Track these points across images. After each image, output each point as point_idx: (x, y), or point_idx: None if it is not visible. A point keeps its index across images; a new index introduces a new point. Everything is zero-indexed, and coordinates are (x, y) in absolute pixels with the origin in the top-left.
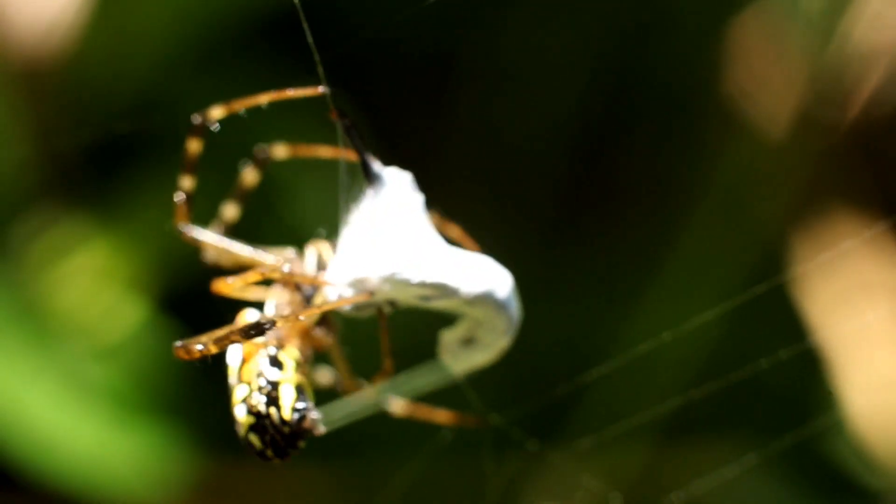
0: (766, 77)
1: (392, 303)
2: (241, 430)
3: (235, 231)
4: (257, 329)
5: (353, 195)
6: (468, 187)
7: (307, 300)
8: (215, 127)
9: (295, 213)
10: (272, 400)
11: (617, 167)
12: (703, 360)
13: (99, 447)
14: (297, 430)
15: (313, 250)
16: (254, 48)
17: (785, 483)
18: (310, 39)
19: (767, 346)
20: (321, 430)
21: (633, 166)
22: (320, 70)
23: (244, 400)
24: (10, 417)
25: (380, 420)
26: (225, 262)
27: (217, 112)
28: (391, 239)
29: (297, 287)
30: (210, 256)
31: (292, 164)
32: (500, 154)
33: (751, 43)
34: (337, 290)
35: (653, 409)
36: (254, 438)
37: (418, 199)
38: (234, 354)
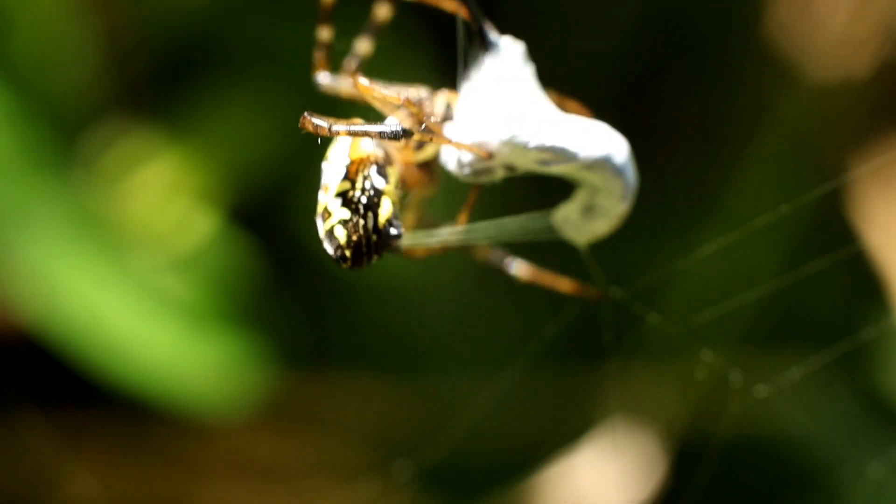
0: (819, 14)
1: (510, 167)
2: (330, 223)
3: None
4: (395, 134)
5: (469, 60)
6: None
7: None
8: None
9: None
10: (372, 205)
11: (669, 105)
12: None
13: (175, 358)
14: (383, 242)
15: (443, 99)
16: None
17: (840, 407)
18: None
19: (830, 276)
20: (401, 249)
21: (686, 105)
22: None
23: (343, 194)
24: (88, 328)
25: (456, 335)
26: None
27: None
28: (510, 103)
29: (419, 123)
30: (347, 95)
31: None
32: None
33: None
34: (455, 154)
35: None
36: (339, 232)
37: (531, 68)
38: (341, 151)
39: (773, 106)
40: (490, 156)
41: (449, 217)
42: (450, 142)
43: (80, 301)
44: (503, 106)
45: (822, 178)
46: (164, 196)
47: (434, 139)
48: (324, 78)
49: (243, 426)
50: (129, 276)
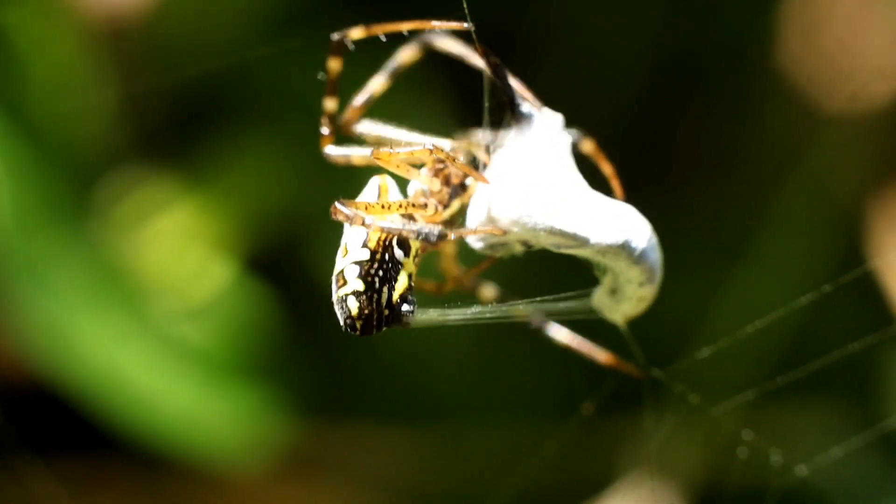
0: (831, 49)
1: (526, 244)
2: (344, 291)
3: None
4: (430, 237)
5: (498, 132)
6: None
7: (452, 197)
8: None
9: None
10: (389, 279)
11: (681, 141)
12: (789, 337)
13: (192, 408)
14: (394, 316)
15: (467, 149)
16: (343, 7)
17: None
18: None
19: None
20: (410, 323)
21: (702, 142)
22: (465, 6)
23: (360, 263)
24: (105, 376)
25: (478, 385)
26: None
27: (356, 32)
28: (528, 181)
29: (446, 181)
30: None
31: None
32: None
33: (812, 14)
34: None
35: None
36: (352, 304)
37: (566, 140)
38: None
39: (791, 141)
40: (503, 232)
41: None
42: (467, 232)
43: (97, 351)
44: (520, 184)
45: (845, 215)
46: (181, 245)
47: (463, 234)
48: (331, 150)
49: (261, 477)
50: (146, 326)
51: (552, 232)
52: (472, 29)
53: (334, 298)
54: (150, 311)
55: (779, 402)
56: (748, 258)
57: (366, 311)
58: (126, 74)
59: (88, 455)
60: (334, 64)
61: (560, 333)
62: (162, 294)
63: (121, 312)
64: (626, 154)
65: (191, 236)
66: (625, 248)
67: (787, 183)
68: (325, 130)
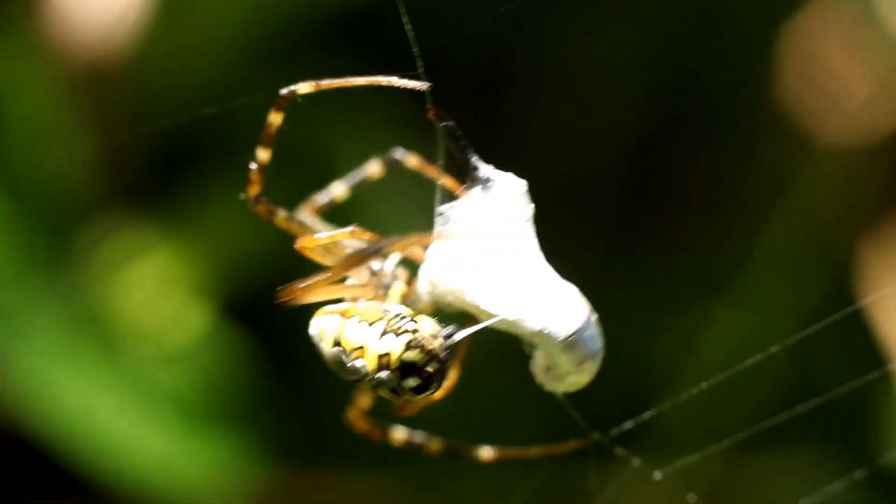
0: (827, 84)
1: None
2: (393, 356)
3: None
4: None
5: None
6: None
7: (383, 287)
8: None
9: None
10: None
11: (678, 176)
12: (777, 374)
13: (168, 454)
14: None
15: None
16: (322, 49)
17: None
18: (410, 34)
19: (841, 361)
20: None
21: (696, 175)
22: (420, 65)
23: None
24: (81, 424)
25: (456, 430)
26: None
27: (304, 87)
28: (473, 253)
29: (371, 271)
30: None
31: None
32: (557, 160)
33: (808, 48)
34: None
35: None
36: (411, 356)
37: (526, 210)
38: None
39: (786, 175)
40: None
41: None
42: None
43: (72, 397)
44: (465, 255)
45: (834, 250)
46: (158, 291)
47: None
48: (258, 200)
49: None
50: (121, 373)
51: (479, 311)
52: (429, 89)
53: (383, 376)
54: (127, 357)
55: (757, 451)
56: (736, 294)
57: (429, 348)
58: (104, 120)
59: (61, 502)
60: (275, 118)
61: (486, 452)
62: (138, 340)
63: (97, 359)
64: (619, 189)
65: (168, 282)
66: (549, 336)
67: (777, 218)
68: (253, 177)
